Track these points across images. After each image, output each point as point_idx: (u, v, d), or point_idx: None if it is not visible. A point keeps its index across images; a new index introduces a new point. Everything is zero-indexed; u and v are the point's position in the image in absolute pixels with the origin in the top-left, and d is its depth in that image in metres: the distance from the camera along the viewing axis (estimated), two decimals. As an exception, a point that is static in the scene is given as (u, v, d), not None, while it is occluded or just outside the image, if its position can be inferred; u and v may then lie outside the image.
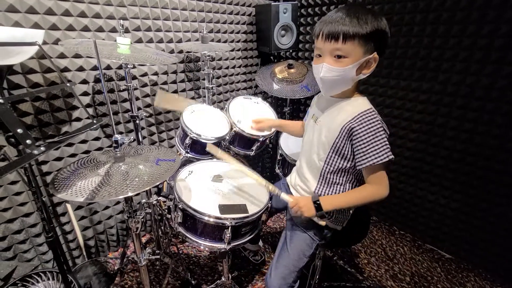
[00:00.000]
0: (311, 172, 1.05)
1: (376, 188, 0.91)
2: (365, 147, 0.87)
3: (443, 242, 1.77)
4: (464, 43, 1.43)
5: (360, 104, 0.93)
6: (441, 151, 1.63)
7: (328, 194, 1.01)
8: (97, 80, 1.41)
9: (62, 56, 1.28)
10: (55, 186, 0.80)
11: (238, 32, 2.04)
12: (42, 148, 0.67)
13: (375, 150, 0.86)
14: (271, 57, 2.29)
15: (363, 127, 0.87)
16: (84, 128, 0.82)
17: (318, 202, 0.93)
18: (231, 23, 1.97)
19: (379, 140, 0.86)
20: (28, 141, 0.65)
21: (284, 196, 0.99)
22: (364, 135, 0.87)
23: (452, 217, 1.68)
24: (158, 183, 0.86)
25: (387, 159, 0.85)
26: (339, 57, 0.84)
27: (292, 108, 2.20)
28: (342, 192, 1.00)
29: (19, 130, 0.64)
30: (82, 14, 1.29)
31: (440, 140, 1.62)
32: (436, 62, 1.54)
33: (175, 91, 1.78)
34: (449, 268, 1.67)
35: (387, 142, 0.87)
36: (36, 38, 0.97)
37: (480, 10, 1.35)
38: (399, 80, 1.70)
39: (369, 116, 0.88)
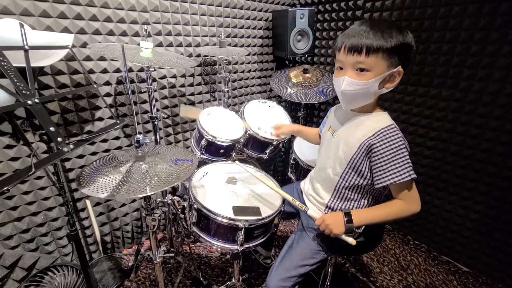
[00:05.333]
0: (325, 185, 1.03)
1: (407, 204, 0.87)
2: (385, 164, 0.84)
3: (461, 254, 1.71)
4: (487, 50, 1.39)
5: (381, 119, 0.90)
6: (460, 160, 1.58)
7: (341, 209, 0.99)
8: (119, 82, 1.47)
9: (88, 58, 1.34)
10: (80, 181, 0.84)
11: (254, 37, 2.07)
12: (71, 146, 0.71)
13: (396, 168, 0.83)
14: (286, 62, 2.31)
15: (384, 144, 0.84)
16: (109, 127, 0.86)
17: (349, 216, 0.88)
18: (248, 28, 2.00)
19: (400, 158, 0.83)
20: (59, 139, 0.69)
21: (311, 213, 0.98)
22: (384, 152, 0.84)
23: (471, 228, 1.62)
24: (175, 183, 0.89)
25: (409, 178, 0.82)
26: (362, 70, 0.82)
27: (306, 113, 2.20)
28: (356, 208, 0.98)
29: (52, 128, 0.68)
30: (108, 19, 1.35)
31: (459, 148, 1.58)
32: (457, 68, 1.50)
33: (192, 94, 1.83)
34: (466, 282, 1.61)
35: (409, 161, 0.83)
36: (67, 42, 1.03)
37: (504, 16, 1.32)
38: (417, 86, 1.67)
39: (391, 132, 0.85)
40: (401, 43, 0.79)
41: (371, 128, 0.88)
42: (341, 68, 0.88)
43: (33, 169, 0.58)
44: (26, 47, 0.72)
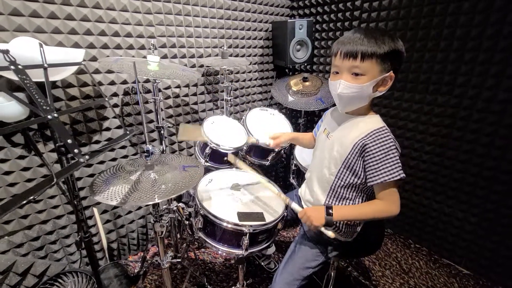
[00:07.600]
0: (321, 185, 1.07)
1: (387, 204, 0.92)
2: (376, 164, 0.89)
3: (461, 257, 1.73)
4: (479, 58, 1.45)
5: (374, 121, 0.95)
6: (457, 164, 1.63)
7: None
8: (125, 93, 1.53)
9: (96, 71, 1.40)
10: (93, 189, 0.88)
11: (255, 47, 2.14)
12: (87, 157, 0.75)
13: (387, 167, 0.88)
14: (286, 70, 2.37)
15: (376, 144, 0.89)
16: (121, 137, 0.91)
17: (330, 210, 0.93)
18: (248, 38, 2.07)
19: (391, 158, 0.88)
20: (76, 150, 0.73)
21: (294, 206, 1.04)
22: (376, 152, 0.89)
23: (471, 231, 1.65)
24: (183, 191, 0.93)
25: (398, 177, 0.87)
26: (357, 74, 0.88)
27: (307, 120, 2.25)
28: None
29: (69, 141, 0.73)
30: (116, 34, 1.41)
31: (456, 153, 1.62)
32: (451, 76, 1.56)
33: (195, 103, 1.88)
34: (467, 284, 1.63)
35: (399, 161, 0.88)
36: (79, 58, 1.09)
37: (495, 26, 1.38)
38: (413, 93, 1.72)
39: (382, 133, 0.90)
40: (393, 50, 0.85)
41: (364, 129, 0.93)
42: (337, 73, 0.94)
43: (55, 179, 0.62)
44: (45, 65, 0.78)
